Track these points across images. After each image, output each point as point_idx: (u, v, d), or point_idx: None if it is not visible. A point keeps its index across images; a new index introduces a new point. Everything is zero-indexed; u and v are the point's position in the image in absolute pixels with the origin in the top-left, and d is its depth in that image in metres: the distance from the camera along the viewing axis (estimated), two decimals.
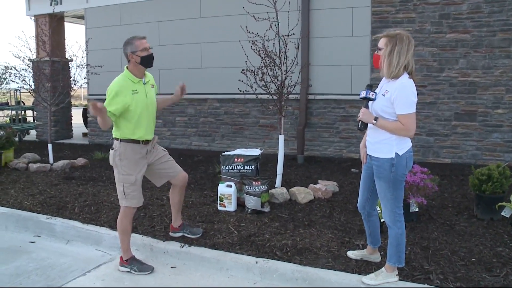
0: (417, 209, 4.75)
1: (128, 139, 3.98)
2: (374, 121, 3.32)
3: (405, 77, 3.27)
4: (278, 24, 6.00)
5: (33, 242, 4.92)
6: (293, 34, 6.29)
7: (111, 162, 4.06)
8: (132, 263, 4.11)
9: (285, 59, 6.09)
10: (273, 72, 6.07)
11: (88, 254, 4.57)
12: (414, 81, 3.28)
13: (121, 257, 4.16)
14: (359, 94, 3.46)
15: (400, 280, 3.54)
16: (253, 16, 6.20)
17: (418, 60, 7.71)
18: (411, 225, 4.67)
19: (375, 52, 3.42)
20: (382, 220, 4.24)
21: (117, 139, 4.01)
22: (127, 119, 3.95)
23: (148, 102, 4.08)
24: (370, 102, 3.43)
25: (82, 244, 4.82)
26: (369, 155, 3.53)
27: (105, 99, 3.90)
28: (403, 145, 3.33)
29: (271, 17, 6.01)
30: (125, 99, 3.88)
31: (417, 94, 3.32)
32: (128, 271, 4.08)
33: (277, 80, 6.09)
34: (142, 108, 3.99)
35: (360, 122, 3.42)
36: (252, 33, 6.13)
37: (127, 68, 4.02)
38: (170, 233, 4.59)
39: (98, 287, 3.86)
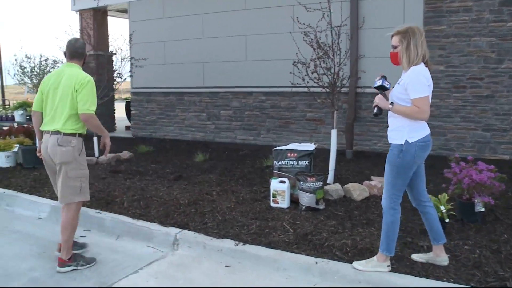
0: (483, 209, 4.47)
1: (81, 134, 4.09)
2: (390, 106, 3.41)
3: (420, 65, 3.38)
4: (330, 14, 5.79)
5: (83, 237, 4.88)
6: (346, 25, 6.06)
7: (66, 159, 3.97)
8: (76, 259, 4.03)
9: (338, 51, 5.86)
10: (326, 64, 5.85)
11: (139, 250, 4.48)
12: (429, 70, 3.42)
13: (60, 258, 4.00)
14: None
15: (391, 272, 3.52)
16: (304, 6, 5.98)
17: (474, 51, 7.33)
18: (476, 226, 4.40)
19: (391, 51, 3.50)
20: (447, 221, 4.06)
21: (74, 134, 4.02)
22: None
23: None
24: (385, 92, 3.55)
25: (132, 240, 4.74)
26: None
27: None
28: (415, 133, 3.38)
29: (323, 7, 5.79)
30: None
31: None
32: (74, 269, 3.98)
33: (330, 72, 5.87)
34: None
35: (376, 107, 3.51)
36: (304, 24, 5.93)
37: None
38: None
39: (151, 287, 3.76)
